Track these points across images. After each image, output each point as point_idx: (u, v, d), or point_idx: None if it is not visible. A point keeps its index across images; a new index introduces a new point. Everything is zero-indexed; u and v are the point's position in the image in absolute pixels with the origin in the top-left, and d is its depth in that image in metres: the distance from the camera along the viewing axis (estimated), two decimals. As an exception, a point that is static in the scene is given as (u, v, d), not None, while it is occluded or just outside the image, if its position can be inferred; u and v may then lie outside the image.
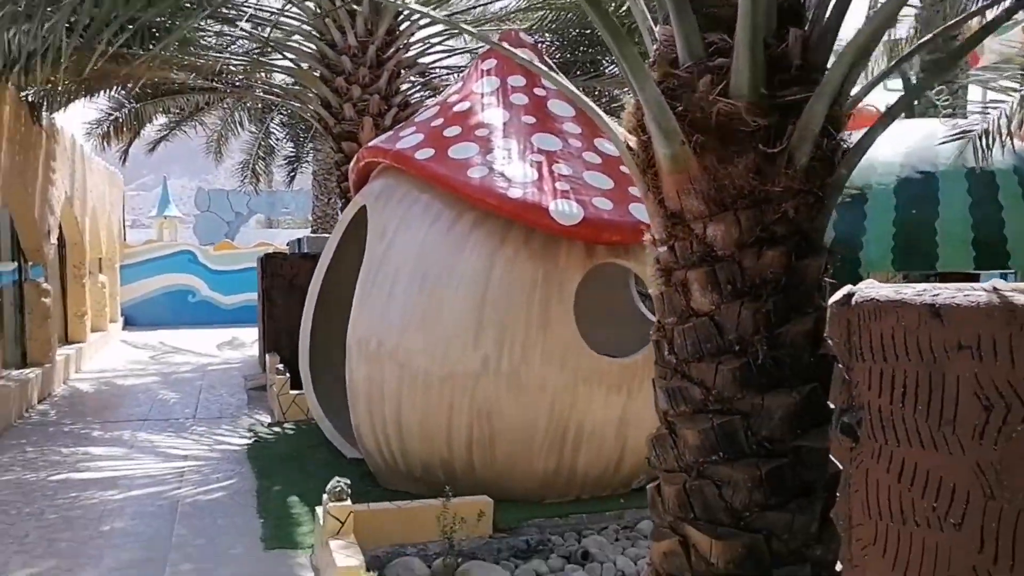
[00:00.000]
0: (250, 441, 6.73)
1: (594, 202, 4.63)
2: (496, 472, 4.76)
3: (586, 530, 4.54)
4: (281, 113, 12.03)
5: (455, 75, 9.72)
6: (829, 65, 2.31)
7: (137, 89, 9.07)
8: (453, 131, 5.21)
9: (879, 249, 6.48)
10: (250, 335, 15.31)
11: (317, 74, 8.42)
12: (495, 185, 4.69)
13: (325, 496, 3.91)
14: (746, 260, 2.30)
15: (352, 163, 6.02)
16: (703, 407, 2.36)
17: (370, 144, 5.74)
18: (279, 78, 9.85)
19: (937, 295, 3.03)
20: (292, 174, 14.13)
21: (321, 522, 3.94)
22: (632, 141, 2.53)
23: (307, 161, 14.25)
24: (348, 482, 3.93)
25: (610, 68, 8.42)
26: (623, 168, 5.06)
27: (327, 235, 14.81)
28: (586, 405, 4.70)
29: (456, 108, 5.38)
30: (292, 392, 7.41)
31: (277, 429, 7.10)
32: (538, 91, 5.38)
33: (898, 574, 3.12)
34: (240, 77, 9.27)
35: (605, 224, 4.58)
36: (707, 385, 2.34)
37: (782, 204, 2.28)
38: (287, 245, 14.16)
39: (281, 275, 9.39)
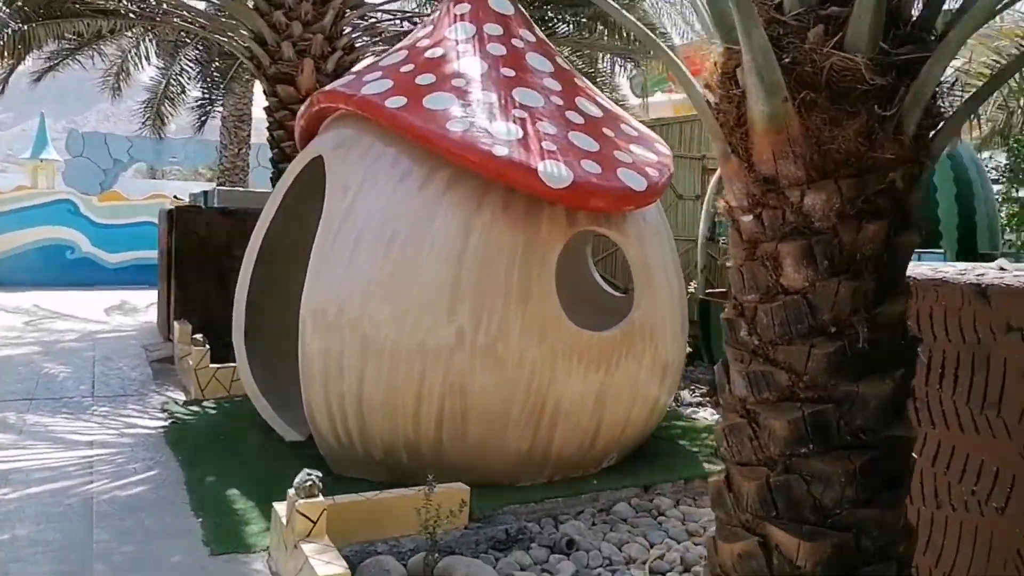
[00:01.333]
0: (166, 423, 5.97)
1: (582, 165, 4.34)
2: (467, 453, 4.44)
3: (562, 515, 4.31)
4: (197, 48, 10.89)
5: (404, 22, 9.13)
6: (939, 25, 2.12)
7: (25, 6, 7.89)
8: (426, 79, 4.77)
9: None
10: (141, 298, 14.18)
11: (251, 4, 7.64)
12: (478, 141, 4.30)
13: (292, 492, 3.46)
14: (845, 234, 2.08)
15: (303, 108, 5.44)
16: (790, 394, 2.14)
17: (328, 88, 5.19)
18: (203, 5, 8.87)
19: (983, 275, 2.95)
20: (203, 119, 12.90)
21: (285, 521, 3.49)
22: (712, 95, 2.25)
23: (221, 105, 13.07)
24: (320, 475, 3.49)
25: (563, 28, 8.08)
26: (606, 130, 4.80)
27: (241, 189, 13.86)
28: (564, 381, 4.44)
29: (428, 54, 4.93)
30: (212, 366, 6.78)
31: (196, 408, 6.44)
32: (516, 42, 5.00)
33: (932, 558, 3.08)
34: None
35: (595, 189, 4.30)
36: (796, 370, 2.12)
37: (889, 174, 2.07)
38: (190, 198, 13.12)
39: (195, 232, 8.60)
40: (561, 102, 4.86)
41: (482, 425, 4.40)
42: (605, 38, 9.07)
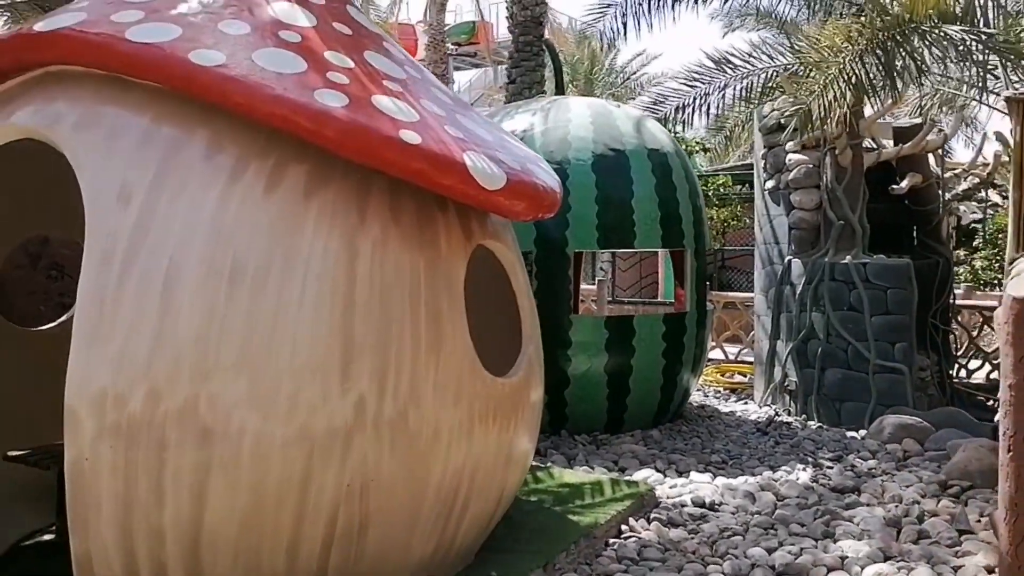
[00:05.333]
0: None
1: (498, 158, 3.26)
2: (359, 574, 3.03)
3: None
4: None
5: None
6: None
7: None
8: (241, 28, 3.13)
9: (584, 227, 6.37)
10: None
11: None
12: (376, 125, 2.92)
13: None
14: None
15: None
16: None
17: (34, 31, 3.09)
18: None
19: None
20: None
21: None
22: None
23: None
24: None
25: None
26: (465, 112, 3.75)
27: None
28: (481, 450, 3.32)
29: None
30: None
31: None
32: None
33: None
34: None
35: (527, 190, 3.26)
36: None
37: None
38: None
39: None
40: (415, 72, 3.67)
41: (385, 536, 3.04)
42: None
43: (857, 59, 5.84)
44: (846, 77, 5.81)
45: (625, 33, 8.26)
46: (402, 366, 2.99)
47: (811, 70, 6.23)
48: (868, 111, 7.79)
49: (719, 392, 8.97)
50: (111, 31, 3.03)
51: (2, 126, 3.11)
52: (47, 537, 3.84)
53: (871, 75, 5.88)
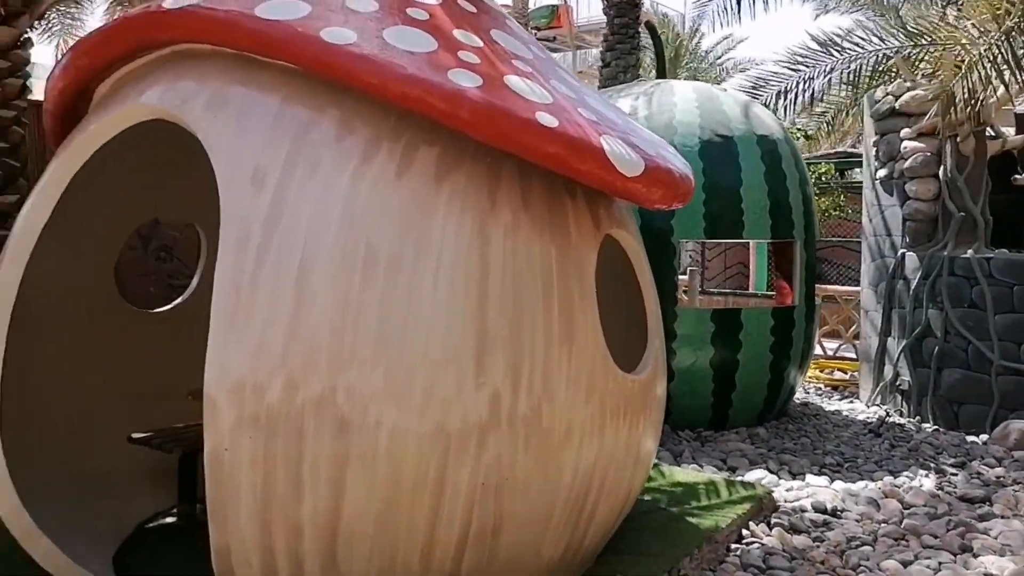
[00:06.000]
0: None
1: (634, 142, 3.06)
2: (488, 578, 2.90)
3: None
4: None
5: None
6: None
7: None
8: (366, 3, 3.02)
9: (690, 215, 6.11)
10: None
11: None
12: (511, 108, 2.77)
13: None
14: None
15: (99, 35, 3.18)
16: None
17: (164, 8, 3.04)
18: None
19: None
20: None
21: None
22: None
23: None
24: None
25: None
26: (590, 98, 3.55)
27: None
28: (612, 449, 3.15)
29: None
30: None
31: None
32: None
33: None
34: None
35: (665, 177, 3.05)
36: None
37: None
38: None
39: None
40: (540, 52, 3.50)
41: (517, 537, 2.90)
42: None
43: (1004, 39, 5.38)
44: (991, 57, 5.36)
45: (739, 13, 7.89)
46: (535, 360, 2.84)
47: (946, 51, 5.77)
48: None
49: (820, 389, 8.57)
50: (240, 8, 2.95)
51: (132, 106, 3.08)
52: (169, 520, 3.85)
53: (1019, 56, 5.40)
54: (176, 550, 3.58)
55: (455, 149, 2.89)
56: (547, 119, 2.78)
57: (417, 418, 2.63)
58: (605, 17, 9.70)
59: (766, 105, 8.34)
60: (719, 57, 21.69)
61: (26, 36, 4.97)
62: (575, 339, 2.97)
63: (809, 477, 5.27)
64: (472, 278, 2.77)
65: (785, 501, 4.78)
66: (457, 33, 3.08)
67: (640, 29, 9.73)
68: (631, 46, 9.27)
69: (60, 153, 3.20)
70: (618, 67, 9.15)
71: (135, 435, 3.79)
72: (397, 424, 2.61)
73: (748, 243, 12.63)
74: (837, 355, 9.77)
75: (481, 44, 3.09)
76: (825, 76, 8.67)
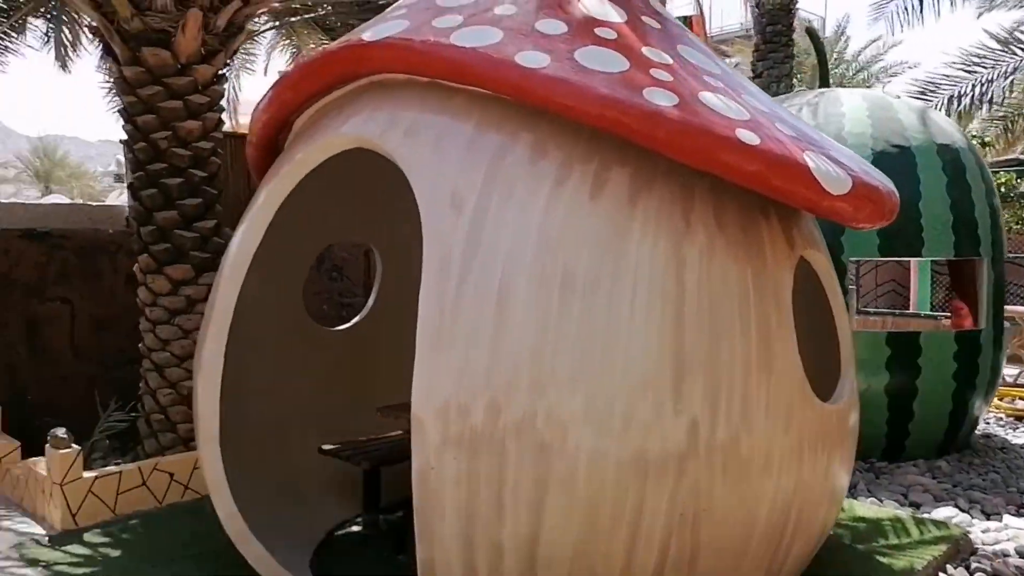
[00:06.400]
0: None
1: (836, 158, 2.91)
2: (680, 612, 2.81)
3: None
4: None
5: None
6: None
7: None
8: (555, 25, 3.05)
9: (862, 232, 5.73)
10: None
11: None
12: (710, 126, 2.70)
13: None
14: None
15: (302, 70, 3.39)
16: None
17: (377, 40, 3.16)
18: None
19: None
20: None
21: None
22: None
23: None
24: None
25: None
26: (783, 112, 3.41)
27: (47, 201, 10.20)
28: (810, 481, 2.99)
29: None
30: (86, 475, 4.29)
31: (79, 549, 3.96)
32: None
33: None
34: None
35: (873, 194, 2.89)
36: None
37: None
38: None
39: (-11, 267, 5.74)
40: (725, 67, 3.41)
41: (713, 570, 2.80)
42: None
43: None
44: None
45: (922, 12, 7.45)
46: (733, 386, 2.74)
47: None
48: None
49: (1001, 420, 7.86)
50: (436, 38, 3.04)
51: (335, 136, 3.24)
52: (354, 528, 4.01)
53: None
54: (364, 558, 3.72)
55: (647, 169, 2.85)
56: (747, 136, 2.70)
57: (616, 444, 2.59)
58: (739, 26, 9.42)
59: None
60: (868, 61, 20.54)
61: (221, 72, 5.38)
62: (773, 366, 2.84)
63: (1007, 518, 4.81)
64: (668, 301, 2.71)
65: (983, 544, 4.37)
66: (646, 51, 3.05)
67: (792, 36, 9.36)
68: (785, 54, 8.92)
69: (268, 181, 3.42)
70: (771, 77, 8.83)
71: (325, 447, 3.97)
72: (596, 449, 2.58)
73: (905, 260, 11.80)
74: (1018, 382, 8.94)
75: (671, 61, 3.04)
76: (1006, 77, 8.02)
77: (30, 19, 8.50)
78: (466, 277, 2.67)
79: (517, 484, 2.56)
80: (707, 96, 2.89)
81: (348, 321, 5.15)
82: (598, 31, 3.10)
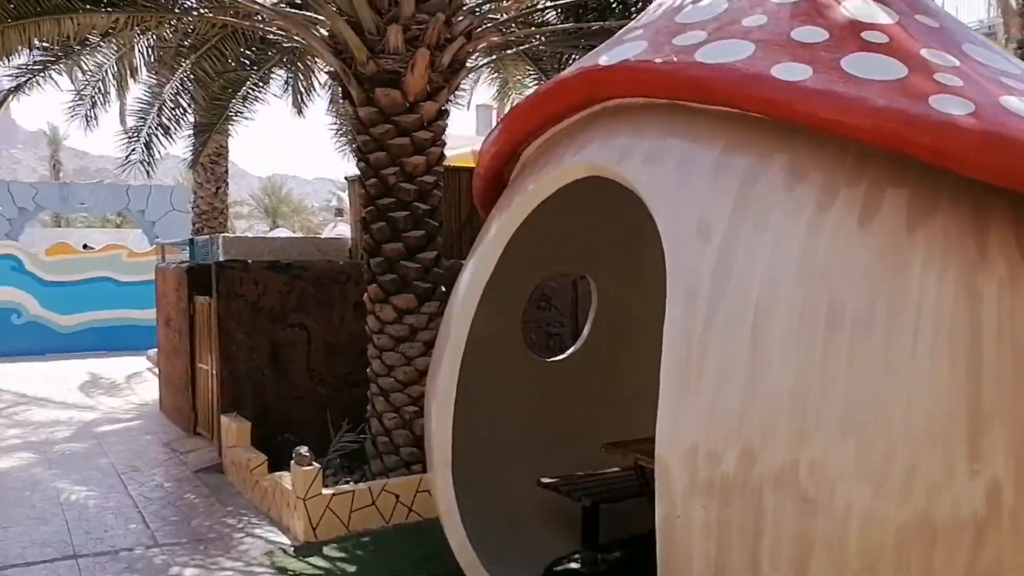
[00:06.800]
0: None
1: None
2: None
3: None
4: (211, 56, 8.28)
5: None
6: None
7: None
8: (814, 32, 2.79)
9: None
10: (111, 369, 11.66)
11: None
12: (1020, 136, 2.33)
13: None
14: None
15: (534, 99, 3.40)
16: None
17: (619, 62, 3.04)
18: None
19: None
20: (199, 149, 10.00)
21: None
22: None
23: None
24: None
25: None
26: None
27: (251, 235, 11.32)
28: None
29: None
30: (325, 492, 4.52)
31: (319, 561, 4.18)
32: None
33: None
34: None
35: None
36: None
37: None
38: (182, 248, 10.68)
39: (240, 295, 6.32)
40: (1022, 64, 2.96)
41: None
42: None
43: None
44: None
45: None
46: (1041, 444, 2.29)
47: None
48: None
49: None
50: (679, 57, 2.89)
51: (569, 165, 3.17)
52: (572, 565, 3.88)
53: None
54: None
55: (928, 190, 2.49)
56: (1060, 151, 2.27)
57: (896, 504, 2.25)
58: (979, 23, 8.33)
59: None
60: None
61: (443, 108, 5.58)
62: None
63: None
64: (960, 342, 2.32)
65: None
66: (926, 53, 2.70)
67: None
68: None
69: (500, 214, 3.42)
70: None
71: (544, 480, 3.88)
72: (872, 509, 2.25)
73: None
74: None
75: (958, 63, 2.67)
76: None
77: (275, 70, 9.41)
78: (715, 311, 2.46)
79: (776, 540, 2.29)
80: (1011, 101, 2.49)
81: (555, 350, 5.08)
82: (865, 35, 2.80)
